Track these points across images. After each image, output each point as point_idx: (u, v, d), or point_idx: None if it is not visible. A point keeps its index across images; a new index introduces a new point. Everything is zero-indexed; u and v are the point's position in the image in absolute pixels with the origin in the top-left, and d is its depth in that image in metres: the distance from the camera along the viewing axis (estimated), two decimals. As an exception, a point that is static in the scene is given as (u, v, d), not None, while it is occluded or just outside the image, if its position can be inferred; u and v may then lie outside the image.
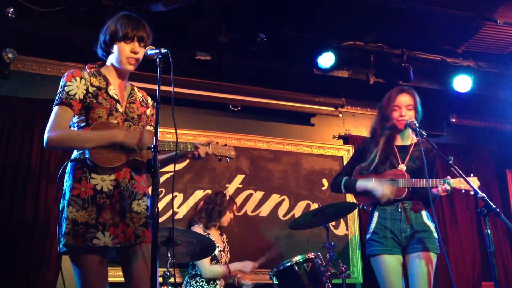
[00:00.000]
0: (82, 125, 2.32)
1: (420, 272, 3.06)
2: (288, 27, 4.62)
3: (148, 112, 2.54)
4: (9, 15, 3.91)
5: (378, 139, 3.30)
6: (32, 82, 4.58)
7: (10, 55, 4.27)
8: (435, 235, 3.17)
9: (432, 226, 3.19)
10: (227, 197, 4.42)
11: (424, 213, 3.22)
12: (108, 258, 2.33)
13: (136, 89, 2.55)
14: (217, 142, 2.58)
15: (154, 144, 2.09)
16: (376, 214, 3.22)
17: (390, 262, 3.13)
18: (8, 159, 4.18)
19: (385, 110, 3.29)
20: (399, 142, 3.34)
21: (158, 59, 2.28)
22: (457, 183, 3.10)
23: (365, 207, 3.34)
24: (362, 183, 3.23)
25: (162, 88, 2.22)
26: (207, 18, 4.37)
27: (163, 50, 2.26)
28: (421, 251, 3.10)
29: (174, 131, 2.24)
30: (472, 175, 3.11)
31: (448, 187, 3.09)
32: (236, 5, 4.27)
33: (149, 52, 2.34)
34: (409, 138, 3.35)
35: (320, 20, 4.52)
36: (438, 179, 3.13)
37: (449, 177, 3.15)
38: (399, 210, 3.18)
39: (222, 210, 4.32)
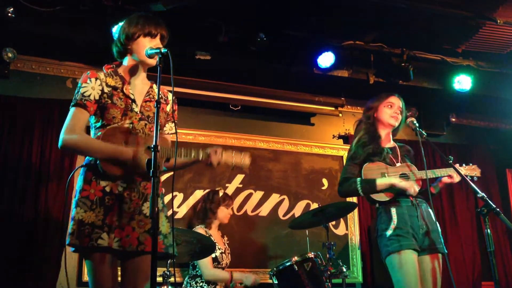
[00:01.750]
0: (98, 125, 2.35)
1: (437, 276, 3.05)
2: (288, 27, 4.62)
3: (167, 108, 2.55)
4: (9, 14, 3.90)
5: (374, 139, 3.30)
6: (32, 81, 4.58)
7: (10, 55, 4.28)
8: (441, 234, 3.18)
9: (438, 225, 3.20)
10: (220, 194, 4.41)
11: (431, 211, 3.21)
12: None
13: (154, 86, 2.53)
14: (232, 150, 2.55)
15: (154, 144, 2.09)
16: (393, 210, 3.11)
17: (415, 260, 3.00)
18: (8, 159, 4.18)
19: (377, 110, 3.35)
20: (385, 144, 3.34)
21: (158, 59, 2.29)
22: (471, 170, 3.20)
23: (376, 204, 3.27)
24: (385, 181, 3.13)
25: (162, 87, 2.22)
26: (207, 17, 4.37)
27: (163, 50, 2.27)
28: (437, 253, 3.09)
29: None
30: (471, 164, 3.23)
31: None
32: (236, 5, 4.27)
33: (149, 51, 2.35)
34: (391, 141, 3.38)
35: (320, 20, 4.52)
36: (463, 165, 3.21)
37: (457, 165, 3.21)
38: (414, 206, 3.14)
39: (215, 207, 4.31)
